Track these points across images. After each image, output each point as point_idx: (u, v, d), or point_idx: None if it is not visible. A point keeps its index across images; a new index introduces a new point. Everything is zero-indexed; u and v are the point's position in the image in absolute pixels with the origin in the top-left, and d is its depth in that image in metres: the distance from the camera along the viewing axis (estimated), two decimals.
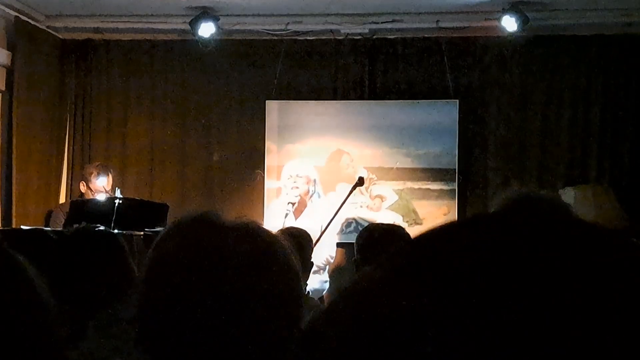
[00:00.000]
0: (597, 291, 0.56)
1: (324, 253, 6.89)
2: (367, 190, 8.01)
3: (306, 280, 4.73)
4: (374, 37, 8.16)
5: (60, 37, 8.32)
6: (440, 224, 0.64)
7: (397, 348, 0.56)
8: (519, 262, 0.58)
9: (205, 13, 7.77)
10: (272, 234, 1.75)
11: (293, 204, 7.01)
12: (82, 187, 7.58)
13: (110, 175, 7.48)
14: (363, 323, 0.59)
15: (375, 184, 8.07)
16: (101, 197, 7.10)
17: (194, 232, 1.64)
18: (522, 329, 0.54)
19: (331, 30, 8.12)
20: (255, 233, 1.66)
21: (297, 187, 7.07)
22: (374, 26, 8.04)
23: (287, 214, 6.98)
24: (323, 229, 6.85)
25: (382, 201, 8.07)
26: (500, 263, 0.58)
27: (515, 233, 0.61)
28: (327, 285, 6.92)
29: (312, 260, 4.91)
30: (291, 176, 7.11)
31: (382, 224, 6.60)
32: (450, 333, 0.55)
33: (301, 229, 5.21)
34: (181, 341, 1.54)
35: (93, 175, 7.44)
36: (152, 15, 8.04)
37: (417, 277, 0.59)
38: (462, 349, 0.55)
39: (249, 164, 8.24)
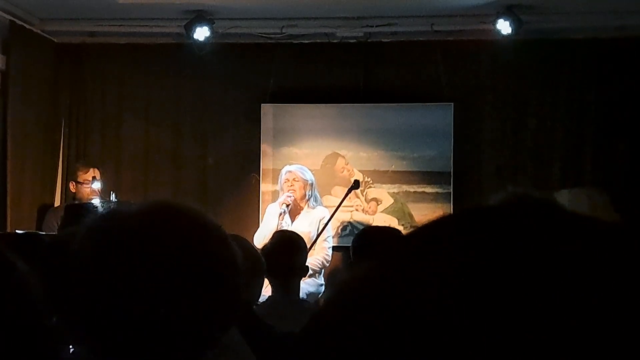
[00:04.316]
0: (601, 288, 0.56)
1: (320, 256, 6.89)
2: (362, 194, 8.01)
3: (299, 284, 4.71)
4: (369, 40, 8.16)
5: (55, 40, 8.30)
6: (434, 218, 0.64)
7: (393, 345, 0.56)
8: (514, 256, 0.57)
9: (200, 17, 7.76)
10: (189, 215, 1.61)
11: (288, 205, 7.00)
12: (72, 187, 7.64)
13: (96, 171, 7.51)
14: (358, 320, 0.59)
15: (370, 187, 8.07)
16: (96, 201, 7.10)
17: (100, 227, 1.58)
18: (517, 323, 0.54)
19: (326, 34, 8.13)
20: (163, 218, 1.56)
21: (294, 191, 7.06)
22: (368, 30, 8.05)
23: (281, 214, 6.97)
24: (318, 232, 6.85)
25: (378, 204, 8.07)
26: (494, 257, 0.57)
27: (510, 225, 0.60)
28: (323, 289, 6.92)
29: (307, 264, 4.89)
30: (288, 179, 7.11)
31: (377, 226, 6.63)
32: (446, 331, 0.55)
33: (295, 233, 5.20)
34: (108, 335, 1.50)
35: (80, 170, 7.53)
36: (146, 19, 8.04)
37: (410, 273, 0.59)
38: (458, 346, 0.54)
39: (244, 167, 8.24)
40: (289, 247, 4.71)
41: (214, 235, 1.57)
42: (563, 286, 0.55)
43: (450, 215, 0.65)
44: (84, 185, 7.46)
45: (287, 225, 6.91)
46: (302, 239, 5.05)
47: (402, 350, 0.56)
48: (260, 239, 6.71)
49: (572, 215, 0.62)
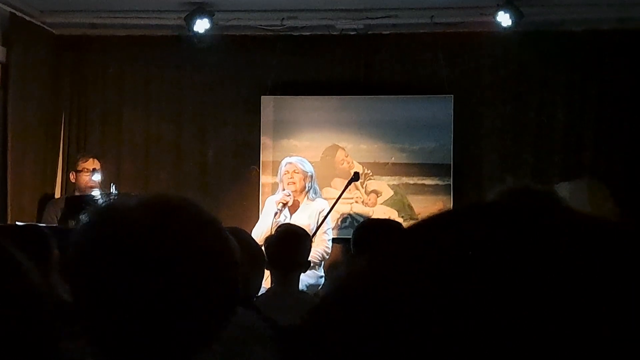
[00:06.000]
0: (600, 287, 0.56)
1: (320, 249, 6.88)
2: (362, 186, 8.01)
3: (299, 278, 4.71)
4: (369, 32, 8.15)
5: (56, 32, 8.30)
6: (434, 213, 0.64)
7: (390, 340, 0.56)
8: (513, 254, 0.57)
9: (200, 9, 7.76)
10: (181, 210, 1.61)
11: (285, 203, 6.96)
12: (72, 177, 7.70)
13: (97, 162, 7.54)
14: (356, 316, 0.59)
15: (370, 179, 8.07)
16: (96, 193, 7.11)
17: (99, 221, 1.59)
18: (516, 321, 0.54)
19: (326, 26, 8.12)
20: (160, 211, 1.57)
21: (294, 183, 7.04)
22: (369, 22, 8.04)
23: (276, 213, 6.92)
24: (318, 225, 6.84)
25: (378, 196, 8.07)
26: (493, 254, 0.58)
27: (509, 223, 0.60)
28: (322, 281, 6.91)
29: (309, 259, 4.89)
30: (287, 171, 7.09)
31: (378, 219, 6.63)
32: (445, 326, 0.55)
33: (301, 228, 5.19)
34: (107, 327, 1.51)
35: (80, 160, 7.58)
36: (147, 11, 8.03)
37: (409, 269, 0.60)
38: (455, 341, 0.55)
39: (244, 159, 8.24)
40: (293, 241, 4.71)
41: (210, 230, 1.58)
42: (561, 285, 0.55)
43: (449, 210, 0.65)
44: (83, 174, 7.47)
45: (285, 218, 6.89)
46: (307, 234, 5.04)
47: (400, 345, 0.56)
48: (257, 234, 6.67)
49: (572, 213, 0.62)
